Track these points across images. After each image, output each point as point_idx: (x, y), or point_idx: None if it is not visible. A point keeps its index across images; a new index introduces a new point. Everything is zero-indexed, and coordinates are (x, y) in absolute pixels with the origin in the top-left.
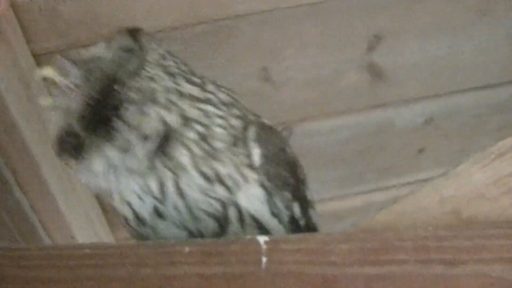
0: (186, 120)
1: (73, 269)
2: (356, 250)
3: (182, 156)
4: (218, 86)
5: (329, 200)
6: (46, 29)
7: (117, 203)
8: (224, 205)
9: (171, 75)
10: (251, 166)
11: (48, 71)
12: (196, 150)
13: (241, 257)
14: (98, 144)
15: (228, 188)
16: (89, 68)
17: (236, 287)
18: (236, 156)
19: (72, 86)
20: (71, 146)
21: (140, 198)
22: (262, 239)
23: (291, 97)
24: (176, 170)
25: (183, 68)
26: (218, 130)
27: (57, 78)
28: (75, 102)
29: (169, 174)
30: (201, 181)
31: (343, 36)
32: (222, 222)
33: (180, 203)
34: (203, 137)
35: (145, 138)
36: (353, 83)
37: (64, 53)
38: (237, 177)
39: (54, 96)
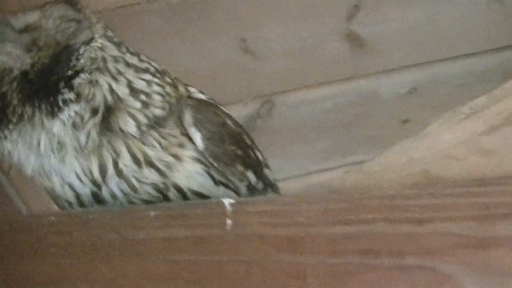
0: (133, 90)
1: (39, 236)
2: (323, 210)
3: (130, 126)
4: (147, 57)
5: (314, 173)
6: None
7: (56, 185)
8: (159, 188)
9: (117, 44)
10: (182, 145)
11: None
12: (141, 118)
13: (206, 220)
14: (40, 118)
15: (158, 170)
16: (33, 35)
17: (201, 250)
18: (165, 139)
19: (13, 52)
20: None
21: (81, 180)
22: (227, 201)
23: (272, 69)
24: (118, 148)
25: (120, 39)
26: (157, 97)
27: None
28: (15, 70)
29: (110, 156)
30: (133, 165)
31: (322, 5)
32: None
33: (117, 188)
34: (146, 106)
35: (94, 111)
36: (334, 53)
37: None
38: (169, 158)
39: None
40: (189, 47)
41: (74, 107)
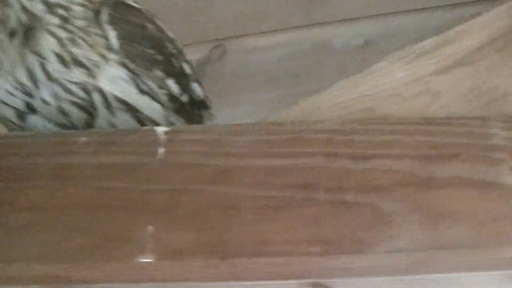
0: (49, 6)
1: None
2: (261, 141)
3: (49, 43)
4: None
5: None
6: None
7: None
8: (87, 90)
9: None
10: (109, 47)
11: None
12: (62, 34)
13: (138, 147)
14: None
15: (87, 69)
16: None
17: (130, 178)
18: (91, 37)
19: None
20: None
21: (13, 95)
22: (161, 129)
23: (224, 12)
24: (42, 56)
25: None
26: (77, 8)
27: None
28: None
29: (36, 62)
30: (59, 66)
31: None
32: (90, 111)
33: (48, 93)
34: (66, 20)
35: (11, 34)
36: None
37: None
38: (96, 58)
39: None
40: None
41: None
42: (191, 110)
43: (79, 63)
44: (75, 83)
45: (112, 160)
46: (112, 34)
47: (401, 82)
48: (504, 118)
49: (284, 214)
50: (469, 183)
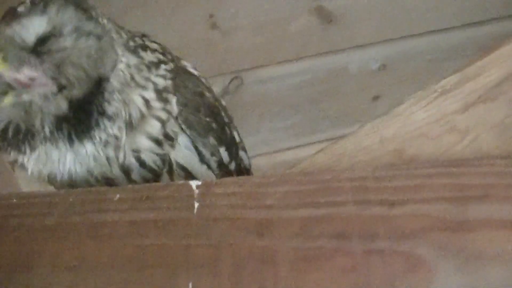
0: (158, 92)
1: (0, 219)
2: (292, 192)
3: (155, 128)
4: (148, 39)
5: (283, 150)
6: None
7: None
8: (164, 160)
9: (133, 51)
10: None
11: None
12: (163, 115)
13: (173, 202)
14: (69, 142)
15: (171, 140)
16: (54, 58)
17: (167, 234)
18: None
19: (39, 97)
20: (18, 140)
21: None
22: (194, 183)
23: (240, 45)
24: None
25: (126, 33)
26: (169, 83)
27: (13, 75)
28: (45, 100)
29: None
30: (150, 143)
31: None
32: (157, 173)
33: (131, 166)
34: (166, 101)
35: (129, 126)
36: (302, 28)
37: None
38: (177, 129)
39: (14, 92)
40: (156, 22)
41: (110, 130)
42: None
43: (168, 137)
44: (157, 154)
45: (147, 216)
46: (173, 100)
47: (425, 122)
48: None
49: (319, 265)
50: (500, 224)
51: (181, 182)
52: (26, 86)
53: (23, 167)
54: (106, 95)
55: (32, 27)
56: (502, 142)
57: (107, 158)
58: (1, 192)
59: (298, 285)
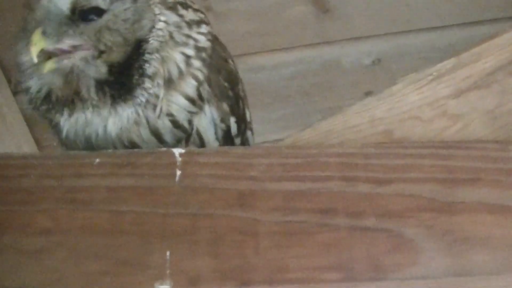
0: (198, 50)
1: None
2: (277, 165)
3: (191, 87)
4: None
5: (273, 142)
6: None
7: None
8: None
9: (171, 8)
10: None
11: (40, 45)
12: (200, 75)
13: (154, 169)
14: (111, 105)
15: (202, 103)
16: (94, 27)
17: (147, 201)
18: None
19: (80, 62)
20: (60, 104)
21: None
22: (177, 151)
23: (233, 29)
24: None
25: None
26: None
27: (54, 47)
28: (89, 75)
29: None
30: (185, 102)
31: None
32: (187, 132)
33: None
34: (204, 61)
35: (168, 82)
36: (298, 17)
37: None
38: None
39: (56, 58)
40: None
41: (149, 90)
42: None
43: (201, 97)
44: (190, 112)
45: (127, 182)
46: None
47: (417, 105)
48: None
49: (302, 239)
50: (488, 208)
51: (164, 149)
52: (67, 53)
53: (58, 128)
54: (146, 56)
55: None
56: (493, 130)
57: (147, 120)
58: None
59: (279, 258)
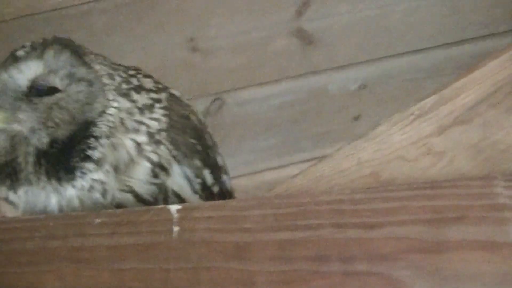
0: (150, 136)
1: None
2: (270, 215)
3: (144, 170)
4: (141, 74)
5: (265, 171)
6: None
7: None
8: (162, 188)
9: (125, 94)
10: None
11: None
12: (153, 157)
13: (152, 226)
14: (53, 184)
15: (165, 172)
16: (46, 104)
17: (147, 258)
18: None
19: (27, 121)
20: (5, 174)
21: None
22: (173, 207)
23: (220, 66)
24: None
25: (120, 75)
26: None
27: (4, 126)
28: (31, 144)
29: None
30: (148, 173)
31: (270, 2)
32: (150, 203)
33: (125, 201)
34: (158, 144)
35: (116, 169)
36: (282, 49)
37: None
38: (170, 157)
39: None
40: (136, 45)
41: (94, 176)
42: (218, 199)
43: (162, 167)
44: (154, 184)
45: (127, 240)
46: (164, 134)
47: (403, 145)
48: (507, 177)
49: (297, 287)
50: (476, 245)
51: (161, 206)
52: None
53: (13, 205)
54: (92, 140)
55: (28, 71)
56: (477, 163)
57: (94, 202)
58: None
59: None
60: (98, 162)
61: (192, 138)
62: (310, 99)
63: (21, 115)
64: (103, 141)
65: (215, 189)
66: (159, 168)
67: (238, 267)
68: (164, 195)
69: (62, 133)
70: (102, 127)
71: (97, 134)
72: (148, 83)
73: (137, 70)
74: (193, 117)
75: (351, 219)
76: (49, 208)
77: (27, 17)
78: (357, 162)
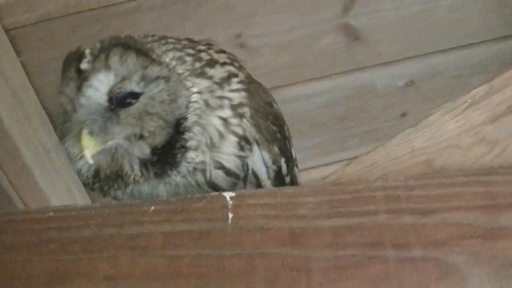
0: (234, 108)
1: (37, 232)
2: (324, 202)
3: (233, 143)
4: (216, 52)
5: (311, 169)
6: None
7: None
8: (244, 164)
9: (201, 74)
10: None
11: (92, 148)
12: (239, 130)
13: (207, 214)
14: (158, 178)
15: (249, 145)
16: (130, 110)
17: (202, 245)
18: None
19: (123, 140)
20: (110, 179)
21: None
22: (228, 195)
23: (267, 63)
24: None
25: (189, 54)
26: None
27: (102, 147)
28: (129, 143)
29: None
30: (235, 146)
31: None
32: (238, 178)
33: (218, 178)
34: (241, 116)
35: (209, 146)
36: (329, 46)
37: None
38: (249, 134)
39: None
40: None
41: (195, 160)
42: None
43: (247, 141)
44: (239, 156)
45: (181, 227)
46: (247, 109)
47: (456, 133)
48: None
49: (352, 273)
50: None
51: (215, 193)
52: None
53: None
54: (186, 134)
55: (102, 86)
56: None
57: (197, 183)
58: (34, 206)
59: None
60: (195, 149)
61: (274, 125)
62: (356, 96)
63: (113, 131)
64: (196, 129)
65: (287, 179)
66: (244, 141)
67: (293, 253)
68: (245, 173)
69: (161, 139)
70: (192, 118)
71: (188, 126)
72: (221, 58)
73: (209, 45)
74: (275, 105)
75: (406, 205)
76: (156, 194)
77: (74, 15)
78: (410, 151)
